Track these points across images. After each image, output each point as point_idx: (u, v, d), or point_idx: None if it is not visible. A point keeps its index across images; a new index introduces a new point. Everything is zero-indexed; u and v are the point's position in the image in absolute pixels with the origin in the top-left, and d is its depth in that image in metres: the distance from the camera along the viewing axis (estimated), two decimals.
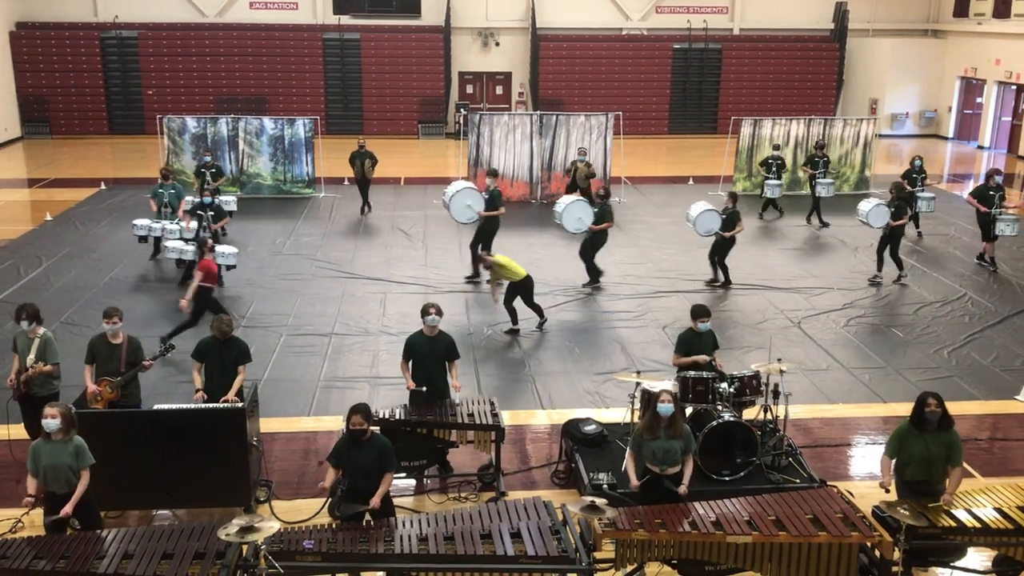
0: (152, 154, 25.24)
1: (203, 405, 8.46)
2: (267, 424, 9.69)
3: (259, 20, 32.38)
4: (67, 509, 6.86)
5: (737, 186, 22.98)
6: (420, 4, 32.78)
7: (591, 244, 15.42)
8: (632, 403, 9.20)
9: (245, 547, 6.42)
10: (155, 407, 8.54)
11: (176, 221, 16.03)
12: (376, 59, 32.32)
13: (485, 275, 14.70)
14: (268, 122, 22.60)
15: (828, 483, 8.50)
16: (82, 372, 8.83)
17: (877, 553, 6.76)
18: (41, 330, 8.91)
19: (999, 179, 16.84)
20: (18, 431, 9.19)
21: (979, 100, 31.88)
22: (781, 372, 9.10)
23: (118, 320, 8.74)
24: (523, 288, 13.16)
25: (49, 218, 19.87)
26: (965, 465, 7.80)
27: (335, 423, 10.02)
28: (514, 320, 13.22)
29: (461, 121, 28.00)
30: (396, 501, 7.46)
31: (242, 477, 8.24)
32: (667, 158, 29.46)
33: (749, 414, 9.25)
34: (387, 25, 32.74)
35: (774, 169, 20.35)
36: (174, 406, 8.52)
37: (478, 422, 8.65)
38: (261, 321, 13.57)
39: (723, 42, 33.60)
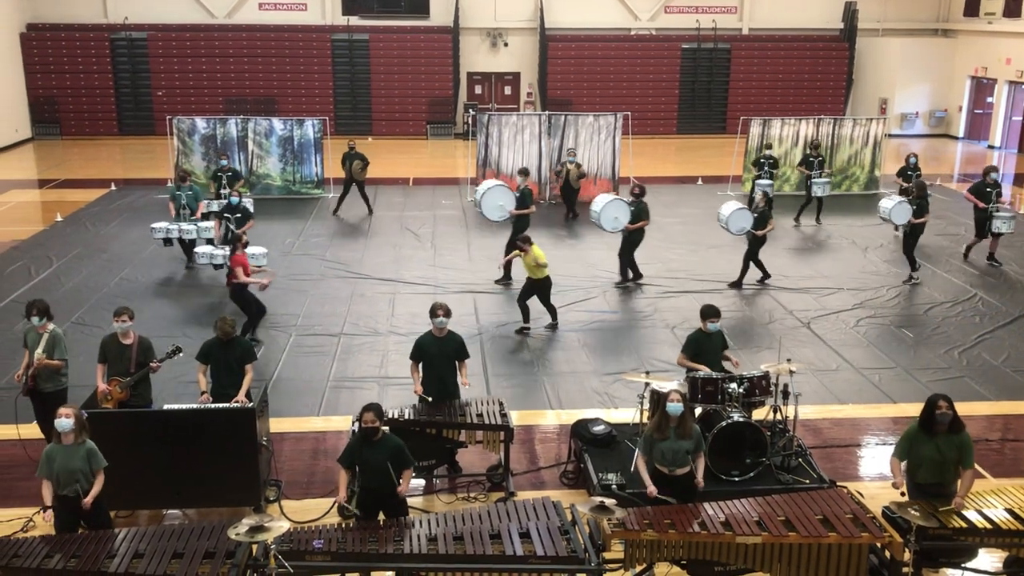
0: (162, 155, 25.33)
1: (213, 405, 8.49)
2: (277, 424, 9.71)
3: (268, 21, 32.46)
4: (87, 500, 6.94)
5: (746, 186, 22.91)
6: (429, 5, 32.81)
7: (629, 243, 15.47)
8: (641, 403, 9.20)
9: (255, 547, 6.44)
10: (165, 407, 8.59)
11: (193, 222, 16.02)
12: (385, 60, 32.36)
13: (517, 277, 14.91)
14: (277, 123, 22.66)
15: (838, 484, 8.49)
16: (90, 371, 8.87)
17: (887, 554, 6.74)
18: (51, 326, 9.00)
19: (996, 176, 16.88)
20: (28, 431, 9.22)
21: (989, 100, 31.76)
22: (791, 372, 9.08)
23: (127, 319, 8.77)
24: (540, 288, 13.13)
25: (60, 219, 19.95)
26: (976, 466, 7.76)
27: (344, 423, 10.03)
28: (526, 319, 13.23)
29: (470, 121, 28.07)
30: (405, 500, 7.46)
31: (252, 477, 8.26)
32: (676, 158, 29.42)
33: (759, 415, 9.24)
34: (396, 26, 32.78)
35: (765, 168, 20.32)
36: (184, 406, 8.56)
37: (487, 422, 8.66)
38: (271, 321, 13.59)
39: (732, 42, 33.54)
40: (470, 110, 31.44)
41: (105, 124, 31.97)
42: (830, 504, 7.00)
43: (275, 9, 32.59)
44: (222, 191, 17.45)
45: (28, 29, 31.46)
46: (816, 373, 11.73)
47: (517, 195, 16.03)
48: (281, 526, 6.23)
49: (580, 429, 9.32)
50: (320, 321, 13.67)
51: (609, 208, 15.55)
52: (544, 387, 11.48)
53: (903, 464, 7.39)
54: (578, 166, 20.36)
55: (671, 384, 8.61)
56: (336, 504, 8.18)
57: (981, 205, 16.59)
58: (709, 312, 9.26)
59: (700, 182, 24.24)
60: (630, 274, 15.64)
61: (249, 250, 14.07)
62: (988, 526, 6.90)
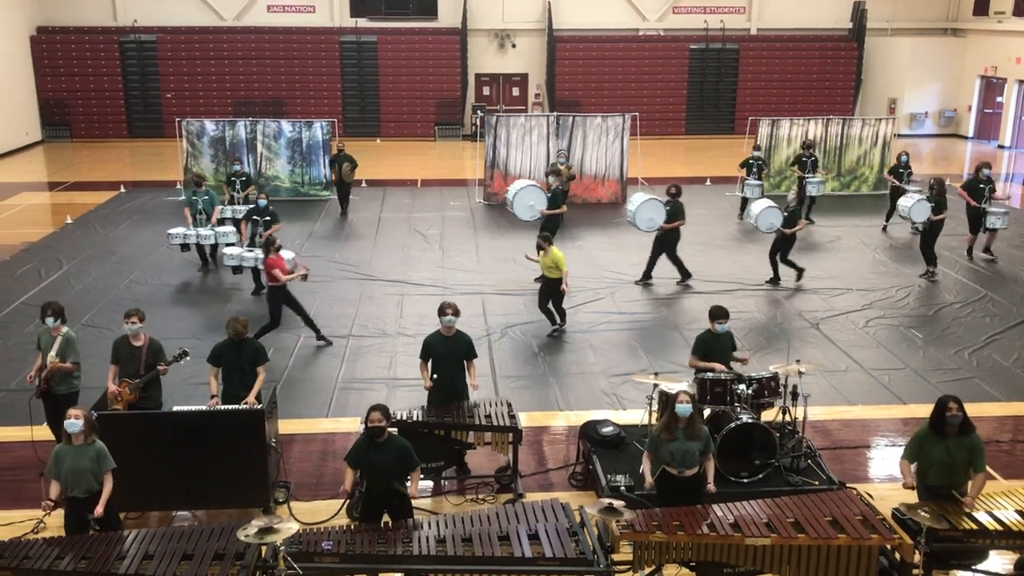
0: (171, 157, 25.41)
1: (222, 407, 8.51)
2: (285, 425, 9.73)
3: (277, 23, 32.54)
4: (99, 510, 6.94)
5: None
6: (437, 6, 32.85)
7: (664, 243, 15.52)
8: (650, 404, 9.18)
9: (264, 548, 6.45)
10: (174, 409, 8.61)
11: (211, 227, 16.00)
12: (393, 61, 32.40)
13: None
14: (286, 125, 22.71)
15: (847, 485, 8.46)
16: (101, 373, 8.91)
17: (897, 556, 6.72)
18: (64, 328, 9.04)
19: (988, 172, 17.01)
20: (41, 432, 9.25)
21: (999, 99, 31.63)
22: (800, 373, 9.06)
23: (137, 321, 8.79)
24: (555, 287, 13.08)
25: (70, 221, 20.04)
26: (988, 468, 7.73)
27: (353, 424, 10.04)
28: (552, 320, 13.22)
29: (478, 123, 28.09)
30: (414, 502, 7.47)
31: (261, 478, 8.28)
32: (684, 159, 29.39)
33: (767, 416, 9.21)
34: (404, 27, 32.83)
35: (754, 170, 20.28)
36: (193, 408, 8.59)
37: (495, 424, 8.67)
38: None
39: (740, 42, 33.49)
40: (478, 111, 31.47)
41: (114, 126, 32.10)
42: (839, 506, 6.98)
43: (283, 11, 32.67)
44: (235, 195, 17.45)
45: (38, 32, 31.60)
46: (825, 374, 11.70)
47: (549, 195, 16.08)
48: (290, 527, 6.24)
49: (589, 430, 9.31)
50: (329, 322, 13.68)
51: (644, 208, 15.63)
52: (552, 388, 11.47)
53: (913, 466, 7.36)
54: (568, 167, 20.33)
55: (680, 385, 8.59)
56: (345, 502, 8.20)
57: (973, 203, 16.78)
58: (718, 313, 9.25)
59: (708, 183, 24.21)
60: (657, 273, 15.68)
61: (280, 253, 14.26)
62: (999, 528, 6.87)
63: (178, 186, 22.83)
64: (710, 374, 8.97)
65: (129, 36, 31.77)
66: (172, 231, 16.25)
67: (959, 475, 7.19)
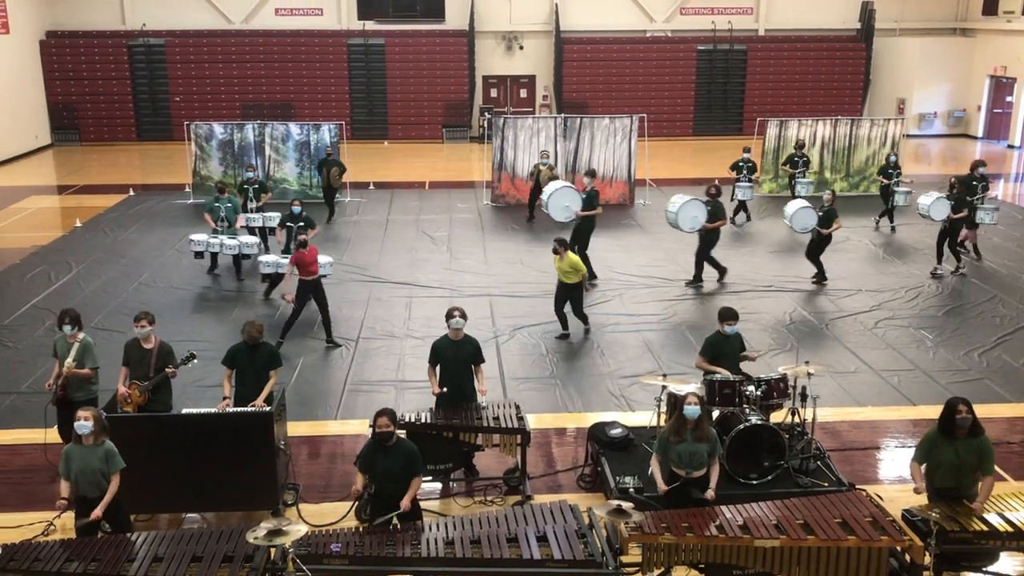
0: (180, 160, 25.49)
1: (231, 409, 8.53)
2: (294, 428, 9.75)
3: (284, 26, 32.62)
4: (97, 512, 6.93)
5: (763, 187, 22.87)
6: (444, 8, 32.89)
7: (706, 242, 15.55)
8: (658, 406, 9.18)
9: (273, 550, 6.46)
10: (184, 411, 8.64)
11: (234, 235, 15.87)
12: (400, 64, 32.45)
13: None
14: (294, 128, 22.76)
15: (857, 487, 8.44)
16: (112, 376, 8.93)
17: (907, 557, 6.69)
18: (81, 335, 9.04)
19: (982, 170, 17.33)
20: (53, 435, 9.28)
21: (1009, 99, 31.51)
22: (809, 375, 9.04)
23: (147, 324, 8.81)
24: (572, 292, 13.00)
25: (79, 224, 20.11)
26: (997, 469, 7.70)
27: (361, 427, 10.06)
28: (564, 325, 13.17)
29: (485, 125, 28.10)
30: (422, 504, 7.48)
31: (270, 481, 8.29)
32: (692, 160, 29.35)
33: (776, 417, 9.19)
34: (411, 30, 32.88)
35: (744, 172, 20.23)
36: (202, 410, 8.61)
37: (504, 425, 8.66)
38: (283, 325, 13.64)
39: (748, 43, 33.44)
40: (485, 113, 31.48)
41: (123, 130, 32.21)
42: (849, 507, 6.95)
43: (291, 14, 32.75)
44: (248, 204, 17.33)
45: (47, 36, 31.75)
46: (834, 375, 11.66)
47: (584, 196, 16.08)
48: (299, 530, 6.24)
49: (597, 432, 9.30)
50: (337, 325, 13.68)
51: (687, 208, 15.68)
52: (561, 390, 11.47)
53: (922, 467, 7.33)
54: (551, 168, 20.29)
55: (688, 387, 8.58)
56: (354, 505, 8.20)
57: (968, 199, 16.87)
58: (727, 314, 9.23)
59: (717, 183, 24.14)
60: (712, 273, 15.72)
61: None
62: (1009, 529, 6.84)
63: (187, 189, 22.90)
64: (719, 375, 8.95)
65: (138, 40, 31.89)
66: (194, 237, 16.01)
67: (967, 477, 7.15)
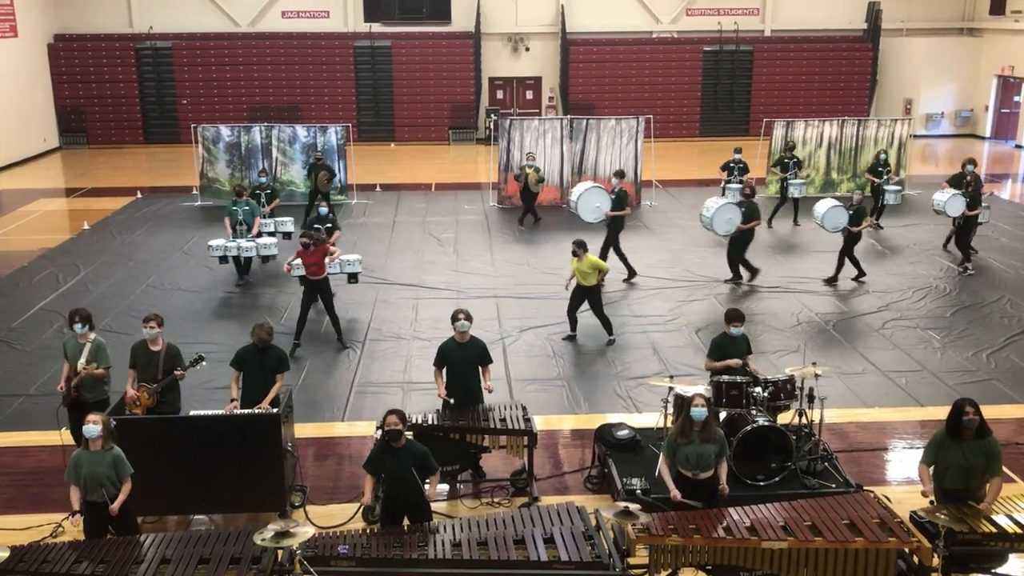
0: (187, 163, 25.55)
1: (239, 412, 8.55)
2: (301, 430, 9.76)
3: (291, 29, 32.68)
4: (114, 507, 6.99)
5: (770, 188, 22.81)
6: (450, 11, 32.92)
7: (740, 243, 15.59)
8: (665, 407, 9.17)
9: (280, 552, 6.48)
10: (191, 413, 8.66)
11: (252, 239, 15.76)
12: (407, 66, 32.48)
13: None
14: (301, 130, 22.80)
15: (864, 488, 8.42)
16: (120, 378, 8.95)
17: (915, 559, 6.67)
18: (92, 335, 9.02)
19: (972, 168, 17.51)
20: (69, 436, 9.29)
21: (1016, 99, 31.41)
22: (816, 376, 9.02)
23: (155, 325, 8.82)
24: (591, 296, 12.91)
25: (87, 227, 20.18)
26: (1006, 470, 7.67)
27: (368, 428, 10.07)
28: (573, 327, 13.15)
29: (492, 126, 28.10)
30: (429, 506, 7.48)
31: (277, 482, 8.31)
32: (699, 161, 29.29)
33: (784, 418, 9.18)
34: (417, 32, 32.91)
35: (735, 173, 20.16)
36: (210, 412, 8.63)
37: (510, 427, 8.67)
38: (295, 327, 13.66)
39: (754, 43, 33.40)
40: (492, 115, 31.49)
41: (131, 133, 32.31)
42: (857, 509, 6.94)
43: (298, 17, 32.81)
44: (260, 209, 17.20)
45: (55, 40, 31.85)
46: (842, 376, 11.64)
47: (613, 197, 16.08)
48: (306, 531, 6.25)
49: (604, 434, 9.30)
50: (344, 327, 13.72)
51: (722, 211, 15.76)
52: (567, 392, 11.47)
53: (930, 469, 7.31)
54: (537, 170, 20.24)
55: (695, 388, 8.57)
56: (361, 507, 8.21)
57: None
58: (733, 316, 9.22)
59: (752, 183, 24.10)
60: (745, 274, 15.76)
61: (344, 257, 14.41)
62: (1018, 531, 6.82)
63: (194, 192, 22.96)
64: (726, 377, 8.94)
65: (145, 43, 31.98)
66: (212, 243, 15.84)
67: (975, 479, 7.12)
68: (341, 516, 8.47)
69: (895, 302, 14.78)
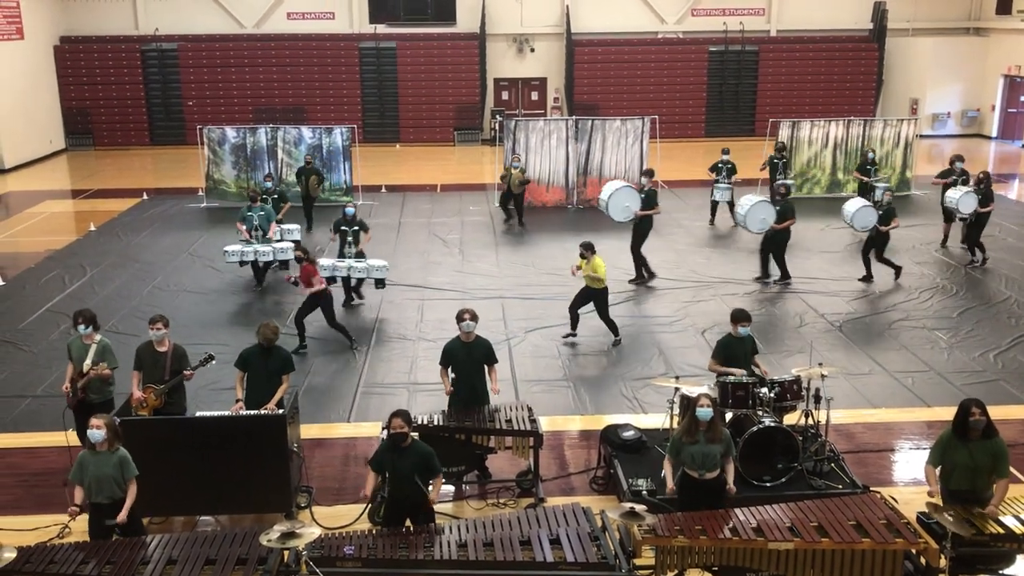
0: (193, 164, 25.60)
1: (244, 412, 8.55)
2: (307, 430, 9.77)
3: (296, 30, 32.73)
4: (122, 516, 6.99)
5: (794, 189, 22.72)
6: (455, 11, 32.93)
7: (775, 242, 15.60)
8: (671, 408, 9.16)
9: (287, 553, 6.48)
10: (197, 414, 8.67)
11: (268, 242, 15.57)
12: (412, 67, 32.51)
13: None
14: (306, 131, 22.82)
15: (871, 489, 8.39)
16: (127, 379, 8.96)
17: (923, 560, 6.66)
18: (98, 336, 9.02)
19: (960, 165, 17.90)
20: (75, 437, 9.30)
21: (1023, 98, 31.31)
22: (822, 376, 9.01)
23: (162, 327, 8.83)
24: (597, 299, 12.85)
25: (93, 228, 20.22)
26: (1013, 471, 7.64)
27: (374, 429, 10.07)
28: (573, 326, 13.09)
29: (497, 127, 28.13)
30: (435, 507, 7.47)
31: (283, 483, 8.31)
32: (704, 161, 29.09)
33: (790, 419, 9.16)
34: (423, 33, 32.94)
35: (723, 173, 20.14)
36: (216, 413, 8.64)
37: (516, 428, 8.66)
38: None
39: (760, 44, 33.36)
40: (497, 116, 31.51)
41: (137, 134, 32.39)
42: (863, 510, 6.93)
43: (303, 18, 32.85)
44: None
45: (61, 42, 31.94)
46: (848, 377, 11.62)
47: (643, 196, 16.06)
48: (312, 532, 6.26)
49: (610, 434, 9.29)
50: (349, 328, 13.73)
51: (756, 210, 15.82)
52: (573, 392, 11.46)
53: (937, 470, 7.28)
54: (522, 171, 20.23)
55: (701, 389, 8.56)
56: (367, 508, 8.21)
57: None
58: (740, 316, 9.20)
59: (786, 184, 24.05)
60: (775, 273, 15.78)
61: (372, 262, 14.48)
62: None
63: (200, 193, 23.00)
64: (731, 377, 8.93)
65: (151, 44, 32.06)
66: (228, 248, 15.67)
67: (982, 479, 7.10)
68: (347, 517, 8.47)
69: (901, 302, 14.74)
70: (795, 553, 6.57)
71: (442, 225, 20.43)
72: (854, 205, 16.25)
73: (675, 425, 8.84)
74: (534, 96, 34.37)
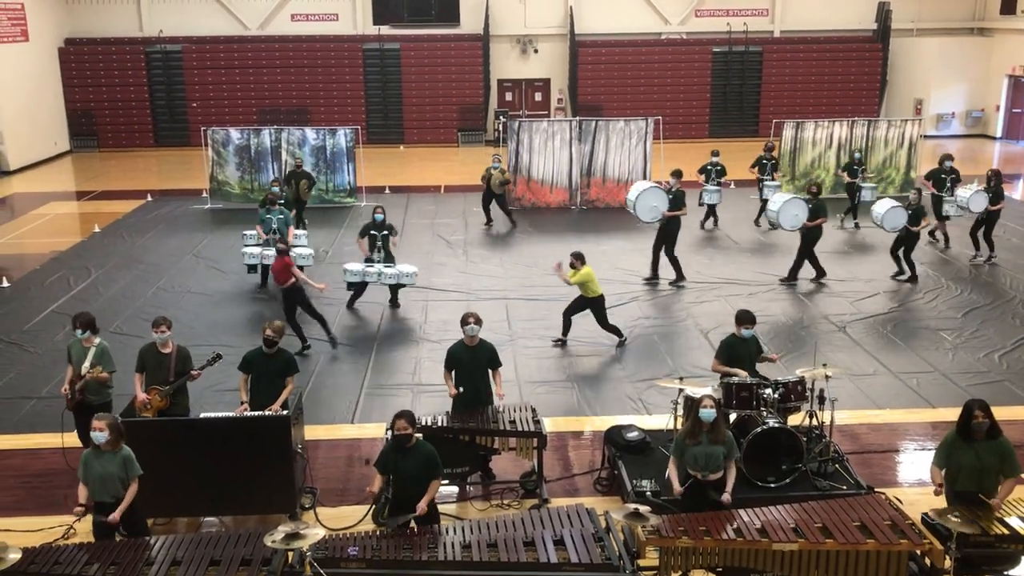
0: (197, 166, 25.63)
1: (248, 413, 8.56)
2: (311, 431, 9.76)
3: (300, 32, 32.76)
4: (115, 516, 6.98)
5: (781, 189, 22.77)
6: (459, 13, 32.95)
7: (807, 240, 15.62)
8: (675, 409, 9.15)
9: (291, 554, 6.49)
10: (201, 415, 8.68)
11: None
12: (416, 68, 32.53)
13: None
14: (310, 132, 22.85)
15: (876, 490, 8.38)
16: (131, 381, 8.97)
17: (927, 561, 6.65)
18: (97, 339, 9.06)
19: (950, 164, 18.25)
20: (72, 439, 9.33)
21: None
22: (827, 377, 9.00)
23: (166, 329, 8.85)
24: (593, 305, 12.80)
25: (97, 230, 20.25)
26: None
27: (378, 430, 10.08)
28: (565, 331, 13.06)
29: (500, 128, 28.12)
30: (439, 508, 7.48)
31: (287, 484, 8.33)
32: (721, 161, 29.17)
33: (794, 420, 9.15)
34: (426, 34, 32.95)
35: (713, 175, 20.11)
36: (220, 414, 8.65)
37: (520, 429, 8.66)
38: (306, 330, 13.68)
39: (763, 44, 33.33)
40: (501, 117, 31.49)
41: (141, 136, 32.43)
42: (868, 510, 6.91)
43: (307, 20, 32.89)
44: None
45: (66, 44, 32.00)
46: (852, 378, 11.60)
47: (670, 197, 16.05)
48: (316, 533, 6.27)
49: (614, 435, 9.28)
50: (353, 329, 13.75)
51: (788, 207, 15.89)
52: (577, 393, 11.45)
53: (942, 471, 7.27)
54: (503, 172, 20.19)
55: (704, 390, 8.55)
56: (371, 509, 8.21)
57: (935, 192, 18.00)
58: (744, 317, 9.20)
59: (733, 186, 24.05)
60: (812, 272, 15.82)
61: (402, 268, 14.52)
62: None
63: (204, 195, 23.02)
64: (736, 378, 8.92)
65: (155, 46, 32.11)
66: (247, 250, 15.60)
67: (989, 480, 7.06)
68: (351, 518, 8.47)
69: (906, 303, 14.72)
70: (799, 554, 6.56)
71: (446, 226, 20.43)
72: (883, 206, 16.30)
73: (679, 426, 8.83)
74: (538, 97, 34.38)
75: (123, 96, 32.08)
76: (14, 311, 14.82)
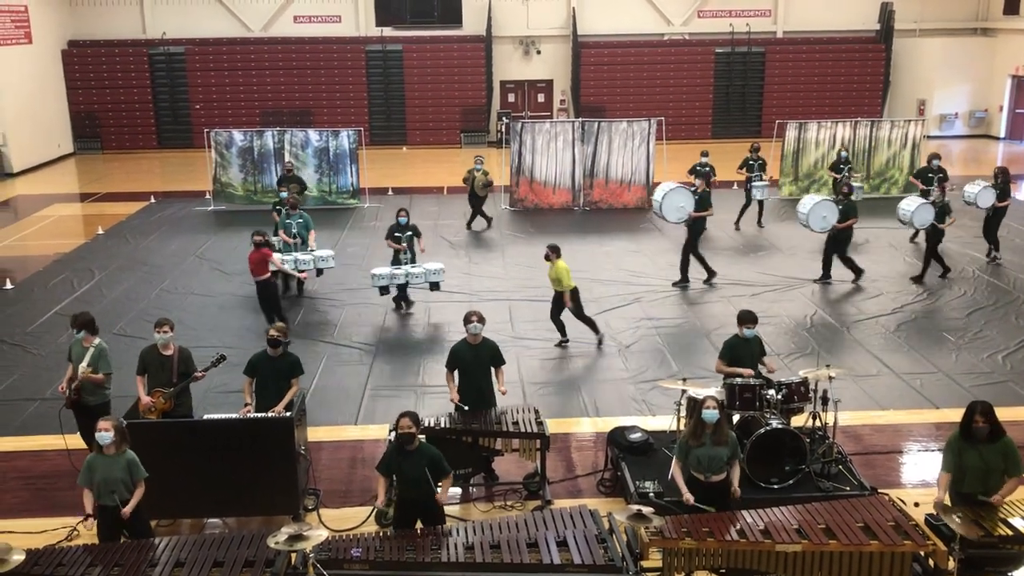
0: (200, 168, 25.65)
1: (252, 415, 8.57)
2: (314, 433, 9.78)
3: (303, 34, 32.79)
4: (127, 510, 7.02)
5: (784, 190, 22.79)
6: (461, 14, 32.96)
7: (836, 241, 15.69)
8: (678, 410, 9.15)
9: (294, 555, 6.49)
10: (205, 417, 8.68)
11: (309, 252, 15.32)
12: (418, 69, 32.55)
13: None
14: (313, 134, 22.87)
15: (879, 491, 8.37)
16: (130, 382, 9.00)
17: (931, 562, 6.64)
18: (96, 340, 9.09)
19: (938, 163, 18.31)
20: (74, 441, 9.35)
21: None
22: (830, 378, 8.98)
23: (168, 330, 8.87)
24: (560, 298, 12.84)
25: (101, 232, 20.29)
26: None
27: (381, 432, 10.08)
28: (562, 333, 13.06)
29: (503, 129, 28.11)
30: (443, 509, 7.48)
31: (291, 486, 8.33)
32: (710, 163, 29.17)
33: (797, 421, 9.14)
34: (429, 36, 32.97)
35: (702, 177, 20.03)
36: (223, 416, 8.65)
37: (523, 430, 8.66)
38: (308, 331, 13.71)
39: (766, 45, 33.31)
40: (503, 118, 31.49)
41: (144, 138, 32.48)
42: (871, 512, 6.90)
43: (310, 22, 32.92)
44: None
45: (69, 46, 32.05)
46: (856, 378, 11.59)
47: (696, 197, 16.04)
48: (320, 535, 6.27)
49: (617, 437, 9.28)
50: (357, 330, 13.76)
51: (818, 208, 15.86)
52: (580, 395, 11.45)
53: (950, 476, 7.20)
54: (485, 173, 20.15)
55: (707, 391, 8.55)
56: (374, 511, 8.22)
57: (924, 188, 18.08)
58: (746, 317, 9.19)
59: (735, 187, 24.05)
60: (844, 273, 15.83)
61: (428, 265, 14.57)
62: None
63: (207, 196, 23.05)
64: (739, 379, 8.91)
65: (158, 48, 32.15)
66: (275, 256, 15.07)
67: (994, 481, 7.04)
68: (354, 519, 8.47)
69: (909, 304, 14.70)
70: (803, 555, 6.55)
71: (449, 227, 20.44)
72: (913, 204, 16.32)
73: (682, 427, 8.83)
74: (540, 98, 34.39)
75: (126, 98, 32.12)
76: (18, 313, 14.85)
